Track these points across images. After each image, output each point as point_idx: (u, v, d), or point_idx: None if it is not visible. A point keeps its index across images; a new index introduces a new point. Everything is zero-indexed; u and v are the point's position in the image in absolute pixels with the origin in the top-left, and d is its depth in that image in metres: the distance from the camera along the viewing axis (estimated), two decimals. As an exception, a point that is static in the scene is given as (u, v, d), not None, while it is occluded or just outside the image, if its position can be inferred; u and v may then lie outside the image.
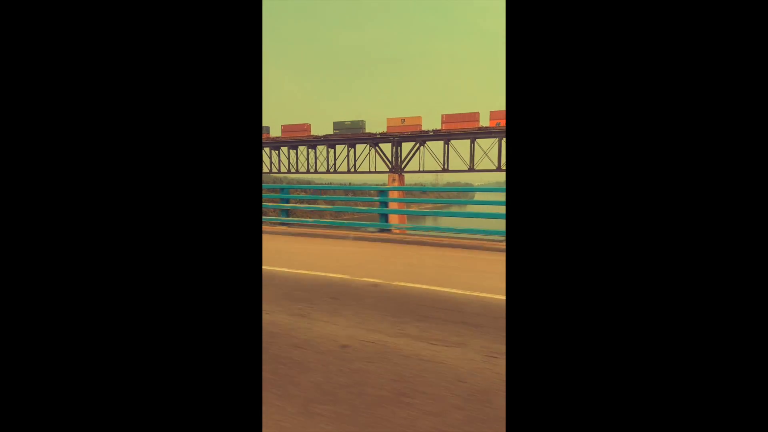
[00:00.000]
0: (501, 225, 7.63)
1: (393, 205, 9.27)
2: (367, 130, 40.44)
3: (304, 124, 42.99)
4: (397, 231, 9.41)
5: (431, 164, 39.60)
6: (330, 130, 42.02)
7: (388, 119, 39.43)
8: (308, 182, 46.67)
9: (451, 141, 36.53)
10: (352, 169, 41.11)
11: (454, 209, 11.68)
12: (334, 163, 41.80)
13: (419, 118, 38.29)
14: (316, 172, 42.60)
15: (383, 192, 9.12)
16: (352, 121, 40.94)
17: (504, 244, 7.22)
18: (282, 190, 10.55)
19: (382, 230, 8.79)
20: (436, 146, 37.48)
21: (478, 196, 7.86)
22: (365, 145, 40.10)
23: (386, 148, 39.20)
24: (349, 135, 40.83)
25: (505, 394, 1.09)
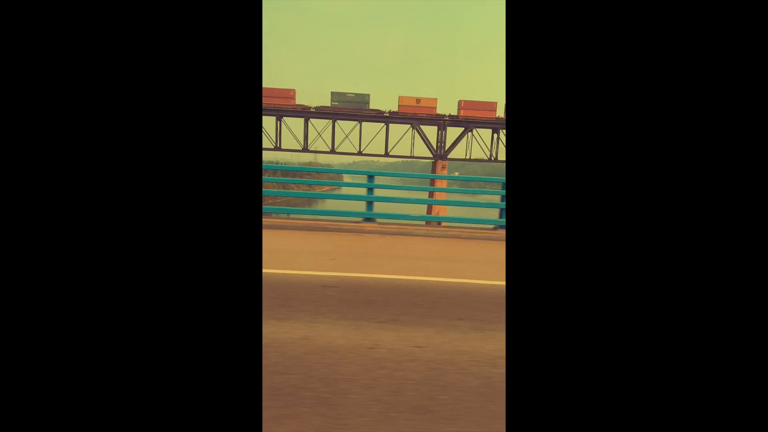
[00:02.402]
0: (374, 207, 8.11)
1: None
2: (371, 106, 35.34)
3: (287, 90, 34.77)
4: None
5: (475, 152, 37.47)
6: (323, 101, 35.18)
7: (400, 97, 35.39)
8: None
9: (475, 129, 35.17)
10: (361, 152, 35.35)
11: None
12: (360, 142, 35.36)
13: (435, 100, 35.61)
14: (335, 152, 34.96)
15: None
16: (356, 94, 35.16)
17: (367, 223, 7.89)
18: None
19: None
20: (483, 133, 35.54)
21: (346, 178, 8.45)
22: (407, 126, 34.97)
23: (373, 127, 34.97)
24: (352, 109, 34.94)
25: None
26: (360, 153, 36.22)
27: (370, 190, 8.09)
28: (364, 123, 35.38)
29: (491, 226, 8.25)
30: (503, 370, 2.26)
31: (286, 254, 5.25)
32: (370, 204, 8.06)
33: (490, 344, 2.80)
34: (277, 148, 35.38)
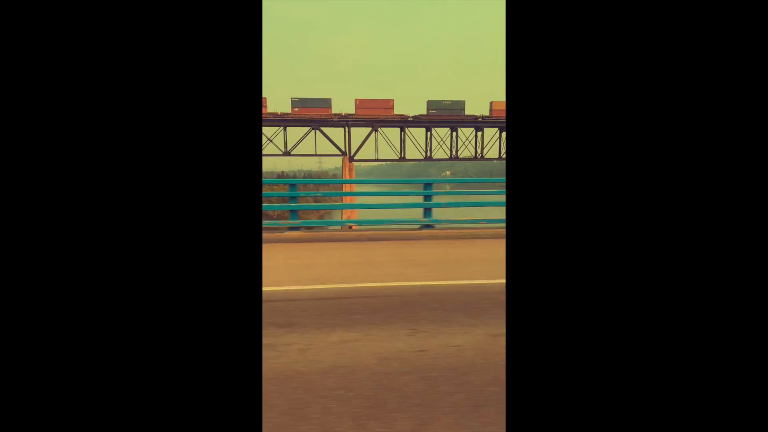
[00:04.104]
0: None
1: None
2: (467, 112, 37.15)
3: (386, 100, 36.73)
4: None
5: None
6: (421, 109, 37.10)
7: (493, 102, 37.08)
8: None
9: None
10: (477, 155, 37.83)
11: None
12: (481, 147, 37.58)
13: (525, 102, 37.12)
14: (457, 158, 37.15)
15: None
16: (452, 101, 36.94)
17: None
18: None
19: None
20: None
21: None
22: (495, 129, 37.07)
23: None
24: (448, 116, 36.81)
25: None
26: (481, 157, 38.56)
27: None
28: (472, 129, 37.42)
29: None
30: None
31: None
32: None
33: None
34: (402, 159, 37.68)
